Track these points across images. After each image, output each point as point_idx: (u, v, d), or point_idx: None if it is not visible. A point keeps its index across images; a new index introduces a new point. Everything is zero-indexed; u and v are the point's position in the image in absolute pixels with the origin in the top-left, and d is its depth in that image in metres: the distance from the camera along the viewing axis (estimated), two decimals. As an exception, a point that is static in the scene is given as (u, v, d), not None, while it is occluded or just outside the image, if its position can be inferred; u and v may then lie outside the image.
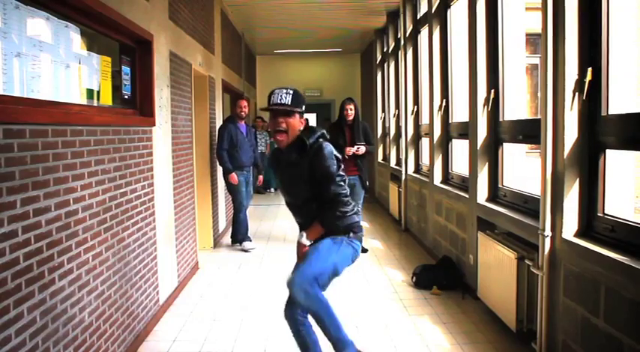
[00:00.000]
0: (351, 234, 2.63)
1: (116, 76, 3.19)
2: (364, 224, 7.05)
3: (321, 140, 2.60)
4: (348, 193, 2.60)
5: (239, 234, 5.98)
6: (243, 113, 5.87)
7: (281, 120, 2.56)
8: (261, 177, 6.59)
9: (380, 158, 9.55)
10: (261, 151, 11.03)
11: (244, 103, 5.93)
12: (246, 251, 5.89)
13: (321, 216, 2.59)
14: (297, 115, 2.59)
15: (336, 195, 2.53)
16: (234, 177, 5.78)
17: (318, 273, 2.50)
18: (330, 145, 2.60)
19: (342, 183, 2.56)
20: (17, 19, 2.16)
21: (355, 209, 2.68)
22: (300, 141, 2.57)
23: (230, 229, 6.23)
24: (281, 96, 2.57)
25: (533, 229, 3.02)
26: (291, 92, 2.58)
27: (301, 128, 2.61)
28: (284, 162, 2.67)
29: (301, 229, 2.72)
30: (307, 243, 2.62)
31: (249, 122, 10.99)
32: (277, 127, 2.57)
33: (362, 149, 5.51)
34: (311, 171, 2.54)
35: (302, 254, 2.63)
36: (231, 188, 5.89)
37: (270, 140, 11.14)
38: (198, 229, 5.38)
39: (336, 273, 2.59)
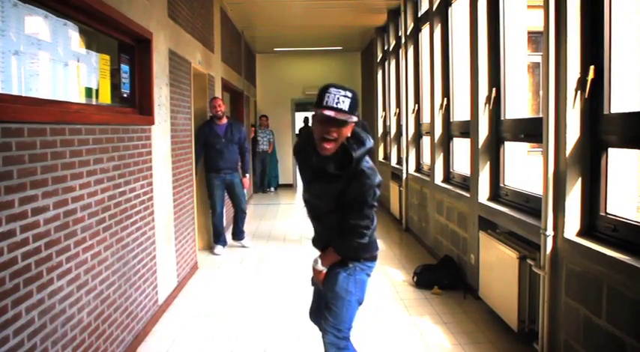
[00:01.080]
0: (362, 260, 2.38)
1: (115, 74, 3.17)
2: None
3: (366, 157, 2.24)
4: (374, 224, 2.30)
5: (213, 237, 5.82)
6: (219, 112, 5.54)
7: (333, 129, 2.11)
8: (245, 180, 6.02)
9: (381, 157, 9.53)
10: (263, 150, 11.02)
11: (218, 102, 5.61)
12: (214, 254, 5.71)
13: (336, 242, 2.34)
14: (351, 124, 2.19)
15: (357, 225, 2.23)
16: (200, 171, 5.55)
17: (347, 322, 2.37)
18: (371, 164, 2.26)
19: (369, 215, 2.24)
20: (15, 16, 2.14)
21: (374, 234, 2.38)
22: (345, 153, 2.18)
23: (230, 228, 6.21)
24: (338, 98, 2.09)
25: (534, 228, 3.00)
26: (350, 95, 2.11)
27: (349, 134, 2.19)
28: (317, 167, 2.27)
29: (316, 237, 2.51)
30: (322, 269, 2.39)
31: (253, 121, 11.02)
32: (327, 136, 2.12)
33: None
34: (345, 189, 2.21)
35: (319, 280, 2.42)
36: (208, 190, 5.68)
37: (272, 139, 11.12)
38: (198, 229, 5.37)
39: (360, 304, 2.43)
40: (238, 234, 6.04)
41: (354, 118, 2.15)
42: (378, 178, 2.26)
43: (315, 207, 2.40)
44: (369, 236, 2.28)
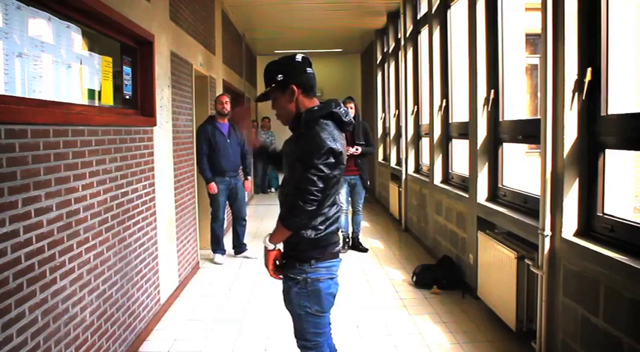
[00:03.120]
0: (313, 262, 2.12)
1: (117, 76, 3.19)
2: (364, 224, 7.06)
3: (328, 123, 2.09)
4: (320, 196, 2.01)
5: (212, 244, 5.48)
6: (224, 110, 5.24)
7: (272, 106, 2.20)
8: (248, 184, 5.63)
9: (380, 158, 9.56)
10: None
11: (225, 99, 5.31)
12: (215, 263, 5.40)
13: (281, 210, 2.14)
14: (279, 92, 2.13)
15: (300, 189, 1.99)
16: (212, 187, 5.19)
17: (310, 334, 2.23)
18: (332, 130, 2.06)
19: (316, 182, 1.98)
20: (19, 19, 2.17)
21: (331, 226, 2.15)
22: (298, 117, 2.13)
23: (230, 231, 6.08)
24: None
25: (533, 229, 3.02)
26: (265, 69, 2.17)
27: (306, 106, 2.13)
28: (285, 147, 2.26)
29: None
30: (270, 246, 2.16)
31: (258, 122, 11.03)
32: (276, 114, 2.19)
33: (360, 150, 5.53)
34: (295, 150, 2.10)
35: (267, 261, 2.22)
36: (209, 195, 5.33)
37: (274, 140, 11.13)
38: (199, 229, 5.39)
39: (324, 312, 2.23)
40: (240, 246, 5.64)
41: (274, 84, 2.11)
42: (334, 144, 2.02)
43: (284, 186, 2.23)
44: (315, 204, 2.00)
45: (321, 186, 2.00)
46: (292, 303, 2.22)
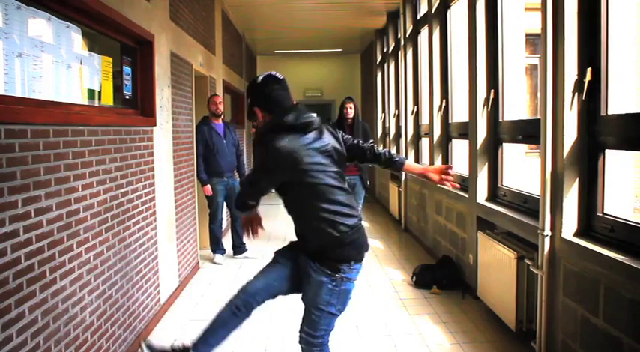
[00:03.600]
0: (352, 263, 2.31)
1: (117, 76, 3.20)
2: (364, 224, 7.07)
3: (278, 134, 2.21)
4: (247, 198, 2.41)
5: (211, 245, 5.49)
6: (218, 110, 5.26)
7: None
8: None
9: (380, 158, 9.55)
10: None
11: (219, 99, 5.31)
12: (215, 263, 5.39)
13: None
14: (257, 110, 2.33)
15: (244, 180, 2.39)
16: (208, 189, 5.21)
17: (324, 330, 2.38)
18: (280, 141, 2.18)
19: (249, 177, 2.42)
20: (19, 19, 2.17)
21: (360, 234, 2.39)
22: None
23: (229, 232, 6.09)
24: None
25: (532, 229, 3.03)
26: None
27: (263, 119, 2.34)
28: None
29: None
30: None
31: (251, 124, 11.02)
32: None
33: None
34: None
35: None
36: (207, 196, 5.33)
37: None
38: (199, 228, 5.39)
39: (341, 312, 2.39)
40: (240, 247, 5.63)
41: (250, 102, 2.35)
42: (276, 150, 2.18)
43: None
44: (244, 198, 2.41)
45: (253, 183, 2.39)
46: (321, 297, 2.29)
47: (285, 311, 3.98)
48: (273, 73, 2.35)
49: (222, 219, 5.48)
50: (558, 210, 2.78)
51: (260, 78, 2.34)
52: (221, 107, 5.31)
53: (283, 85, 2.34)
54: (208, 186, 5.23)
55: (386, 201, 8.50)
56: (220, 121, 5.36)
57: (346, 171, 6.24)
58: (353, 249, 2.30)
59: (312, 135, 2.26)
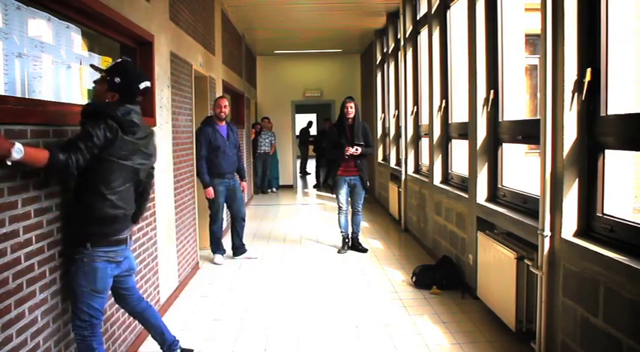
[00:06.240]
0: (94, 245, 2.35)
1: (117, 76, 3.19)
2: (364, 224, 7.06)
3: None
4: (72, 163, 2.15)
5: (211, 245, 5.46)
6: (222, 114, 5.22)
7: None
8: (244, 184, 5.58)
9: (380, 158, 9.56)
10: (265, 151, 11.01)
11: (224, 102, 5.28)
12: (215, 263, 5.37)
13: None
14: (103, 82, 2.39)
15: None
16: (210, 192, 5.17)
17: (86, 313, 2.37)
18: (127, 116, 2.35)
19: (66, 147, 2.15)
20: (19, 19, 2.17)
21: (113, 212, 2.38)
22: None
23: (229, 233, 6.02)
24: None
25: (532, 229, 3.03)
26: None
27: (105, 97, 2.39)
28: None
29: None
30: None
31: (253, 123, 11.02)
32: None
33: (360, 151, 5.54)
34: None
35: None
36: (208, 198, 5.27)
37: (274, 141, 11.14)
38: (199, 229, 5.39)
39: (100, 292, 2.41)
40: (240, 248, 5.59)
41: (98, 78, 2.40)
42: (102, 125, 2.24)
43: None
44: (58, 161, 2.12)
45: (72, 156, 2.16)
46: (71, 280, 2.40)
47: (285, 312, 3.98)
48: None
49: (223, 219, 5.47)
50: (558, 211, 2.78)
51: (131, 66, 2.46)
52: (226, 110, 5.29)
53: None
54: (211, 189, 5.21)
55: (386, 201, 8.50)
56: (224, 123, 5.34)
57: (346, 171, 6.23)
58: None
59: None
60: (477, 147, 4.10)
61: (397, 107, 7.79)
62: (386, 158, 9.08)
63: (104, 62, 2.99)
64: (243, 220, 5.58)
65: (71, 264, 2.37)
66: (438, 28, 5.40)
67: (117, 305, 3.00)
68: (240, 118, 8.81)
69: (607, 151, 2.60)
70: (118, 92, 2.36)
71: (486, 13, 4.04)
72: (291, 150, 12.35)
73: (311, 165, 15.04)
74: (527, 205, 3.42)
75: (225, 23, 7.43)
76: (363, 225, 7.04)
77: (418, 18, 6.44)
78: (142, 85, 2.45)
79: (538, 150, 2.95)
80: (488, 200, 4.05)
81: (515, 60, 3.86)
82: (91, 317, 2.38)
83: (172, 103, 4.29)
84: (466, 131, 4.44)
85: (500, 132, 3.94)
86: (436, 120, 5.44)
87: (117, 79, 2.35)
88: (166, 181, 4.11)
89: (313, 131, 16.37)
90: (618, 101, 2.57)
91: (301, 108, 13.37)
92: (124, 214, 2.46)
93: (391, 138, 8.46)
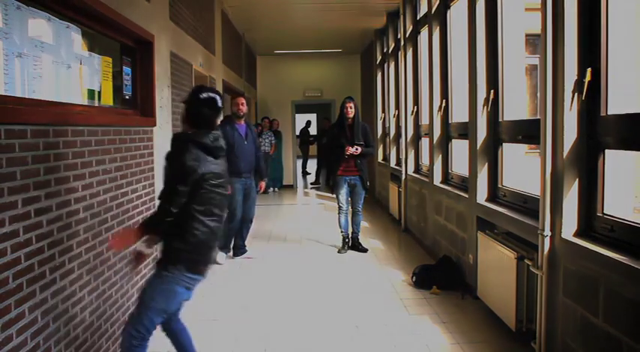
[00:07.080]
0: (180, 267, 2.36)
1: (117, 76, 3.20)
2: (364, 224, 7.06)
3: (193, 146, 2.36)
4: (170, 209, 2.29)
5: (223, 242, 5.37)
6: (240, 112, 5.31)
7: None
8: (262, 184, 5.79)
9: (380, 158, 9.56)
10: (265, 151, 11.00)
11: (242, 101, 5.37)
12: (217, 263, 5.25)
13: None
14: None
15: (161, 198, 2.34)
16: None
17: (144, 326, 2.38)
18: (195, 153, 2.36)
19: (167, 197, 2.30)
20: (19, 19, 2.17)
21: (205, 246, 2.44)
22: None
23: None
24: None
25: (532, 229, 3.03)
26: None
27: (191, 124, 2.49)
28: None
29: None
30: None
31: (254, 123, 11.01)
32: None
33: (359, 150, 5.54)
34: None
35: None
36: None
37: (275, 140, 11.13)
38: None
39: (165, 313, 2.44)
40: (240, 249, 5.61)
41: (185, 108, 2.49)
42: (199, 166, 2.32)
43: None
44: (166, 215, 2.29)
45: (174, 202, 2.30)
46: (146, 290, 2.43)
47: (285, 312, 3.98)
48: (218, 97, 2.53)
49: (239, 218, 5.45)
50: (558, 210, 2.78)
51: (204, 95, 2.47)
52: (243, 108, 5.35)
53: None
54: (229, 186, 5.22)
55: (386, 201, 8.49)
56: (243, 122, 5.40)
57: (347, 171, 6.22)
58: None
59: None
60: (477, 147, 4.10)
61: (397, 107, 7.79)
62: (386, 158, 9.08)
63: (104, 62, 2.99)
64: (251, 222, 5.62)
65: (156, 277, 2.39)
66: (438, 28, 5.40)
67: (116, 305, 3.00)
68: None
69: (607, 151, 2.60)
70: None
71: (486, 13, 4.04)
72: (291, 149, 12.35)
73: (311, 165, 15.04)
74: (527, 205, 3.42)
75: (226, 23, 7.43)
76: (363, 224, 7.04)
77: (418, 18, 6.44)
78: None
79: (538, 150, 2.95)
80: (488, 200, 4.05)
81: (515, 60, 3.86)
82: (146, 332, 2.39)
83: (172, 103, 4.29)
84: (466, 131, 4.44)
85: (501, 132, 3.94)
86: (436, 120, 5.44)
87: None
88: (166, 181, 4.11)
89: (313, 130, 16.38)
90: (618, 101, 2.56)
91: (301, 108, 13.38)
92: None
93: (391, 138, 8.46)
